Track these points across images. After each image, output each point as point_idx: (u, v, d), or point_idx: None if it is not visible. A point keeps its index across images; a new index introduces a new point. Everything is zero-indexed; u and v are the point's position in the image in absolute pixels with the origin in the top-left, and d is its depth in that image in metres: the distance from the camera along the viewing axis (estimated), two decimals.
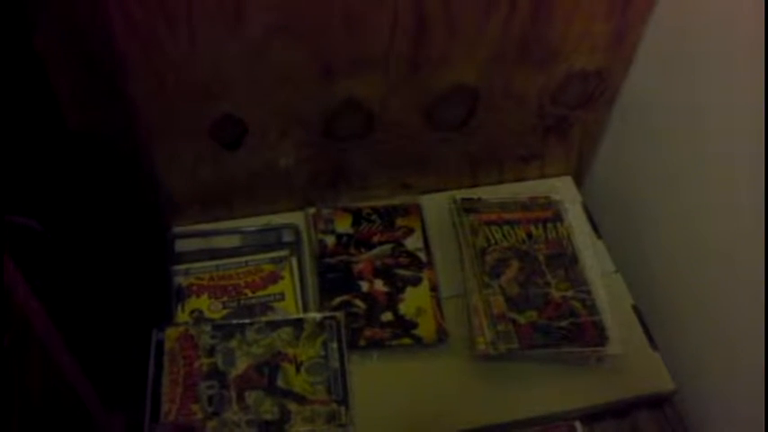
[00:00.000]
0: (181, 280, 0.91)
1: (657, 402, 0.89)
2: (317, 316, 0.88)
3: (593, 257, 0.98)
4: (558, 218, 1.00)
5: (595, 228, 1.02)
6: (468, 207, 1.00)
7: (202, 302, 0.89)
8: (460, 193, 1.03)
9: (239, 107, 0.85)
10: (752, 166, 0.75)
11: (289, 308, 0.90)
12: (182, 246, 0.95)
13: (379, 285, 0.93)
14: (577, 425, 0.83)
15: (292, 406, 0.81)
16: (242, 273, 0.92)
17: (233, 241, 0.96)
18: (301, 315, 0.89)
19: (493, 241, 0.96)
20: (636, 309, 0.95)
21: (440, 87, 0.88)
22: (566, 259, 0.96)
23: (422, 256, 0.96)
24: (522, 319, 0.89)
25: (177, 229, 0.96)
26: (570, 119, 0.99)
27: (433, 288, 0.93)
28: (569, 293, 0.92)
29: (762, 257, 0.75)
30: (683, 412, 0.88)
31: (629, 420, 0.87)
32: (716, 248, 0.84)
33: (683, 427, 0.87)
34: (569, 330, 0.88)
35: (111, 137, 0.83)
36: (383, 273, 0.94)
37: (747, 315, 0.80)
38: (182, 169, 0.90)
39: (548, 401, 0.86)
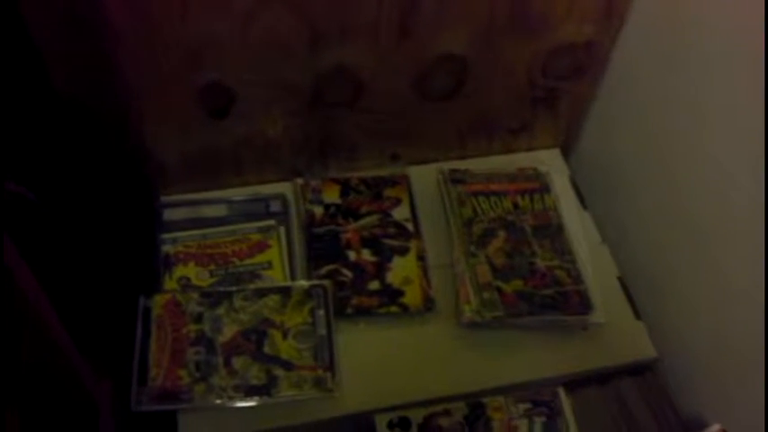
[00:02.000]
0: (168, 248, 0.91)
1: (640, 370, 0.90)
2: (305, 284, 0.89)
3: (579, 229, 0.98)
4: (544, 189, 1.01)
5: (582, 200, 1.03)
6: (455, 178, 1.00)
7: (190, 270, 0.89)
8: (448, 165, 1.03)
9: (227, 75, 0.85)
10: (742, 141, 0.76)
11: (276, 276, 0.90)
12: (169, 215, 0.95)
13: (367, 255, 0.93)
14: (560, 391, 0.84)
15: (279, 371, 0.82)
16: (229, 242, 0.92)
17: (220, 211, 0.96)
18: (289, 283, 0.89)
19: (480, 212, 0.97)
20: (621, 280, 0.96)
21: (429, 56, 0.88)
22: (552, 230, 0.96)
23: (409, 226, 0.97)
24: (507, 288, 0.90)
25: (165, 199, 0.96)
26: (559, 91, 0.99)
27: (421, 257, 0.94)
28: (555, 263, 0.93)
29: (750, 235, 0.76)
30: (664, 380, 0.90)
31: (612, 387, 0.88)
32: (702, 222, 0.85)
33: (664, 395, 0.88)
34: (554, 299, 0.89)
35: (99, 103, 0.83)
36: (371, 242, 0.95)
37: (730, 286, 0.81)
38: (169, 137, 0.90)
39: (532, 368, 0.87)
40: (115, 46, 0.77)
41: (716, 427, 0.79)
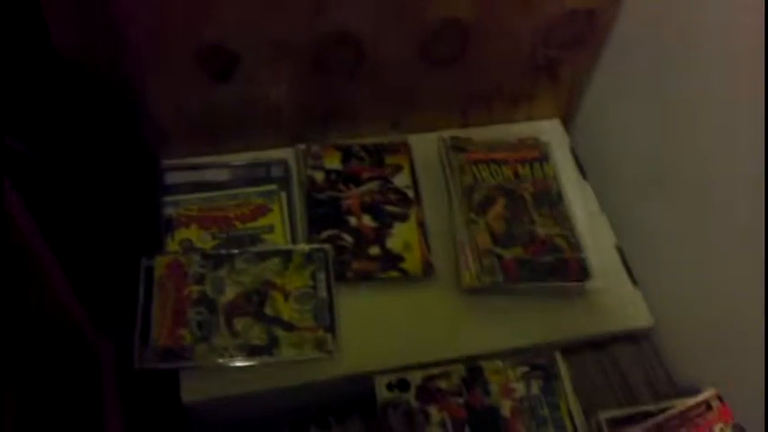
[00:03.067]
0: (170, 211, 0.91)
1: (635, 336, 0.91)
2: (306, 247, 0.89)
3: (578, 198, 0.99)
4: (545, 158, 1.01)
5: (582, 169, 1.04)
6: (456, 146, 1.01)
7: (192, 233, 0.90)
8: (449, 133, 1.04)
9: (230, 38, 0.85)
10: (744, 108, 0.76)
11: (277, 240, 0.91)
12: (171, 178, 0.95)
13: (367, 220, 0.94)
14: (557, 355, 0.85)
15: (280, 332, 0.83)
16: (231, 205, 0.93)
17: (222, 175, 0.96)
18: (290, 246, 0.90)
19: (480, 179, 0.98)
20: (619, 249, 0.97)
21: (431, 21, 0.88)
22: (551, 198, 0.97)
23: (410, 193, 0.97)
24: (507, 255, 0.91)
25: (167, 162, 0.96)
26: (560, 59, 1.00)
27: (421, 224, 0.94)
28: (554, 231, 0.94)
29: (749, 202, 0.77)
30: (659, 346, 0.91)
31: (608, 352, 0.90)
32: (702, 192, 0.85)
33: (658, 360, 0.89)
34: (553, 266, 0.90)
35: (101, 64, 0.83)
36: (371, 208, 0.95)
37: (726, 256, 0.82)
38: (171, 99, 0.90)
39: (530, 333, 0.88)
40: (116, 6, 0.77)
41: (711, 391, 0.80)
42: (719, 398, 0.80)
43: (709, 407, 0.79)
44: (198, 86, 0.89)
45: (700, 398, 0.80)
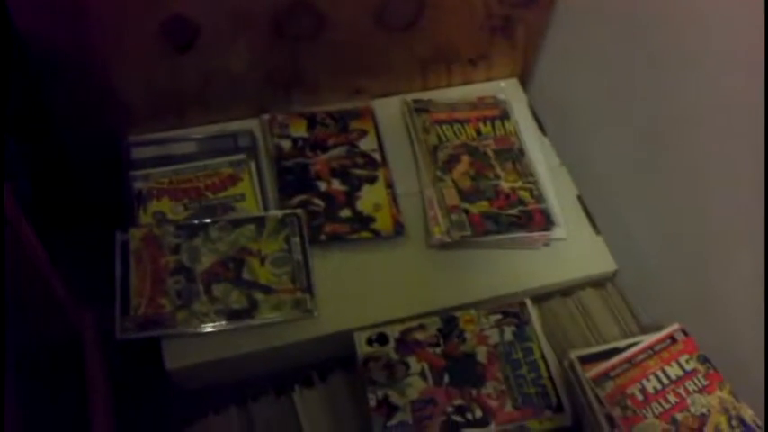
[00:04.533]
0: (140, 185, 0.92)
1: (601, 282, 0.95)
2: (279, 213, 0.91)
3: (539, 152, 1.02)
4: (505, 116, 1.04)
5: (541, 125, 1.07)
6: (419, 107, 1.03)
7: (164, 205, 0.90)
8: (411, 96, 1.06)
9: (190, 7, 0.85)
10: (695, 59, 0.79)
11: (249, 208, 0.92)
12: (138, 153, 0.95)
13: (337, 185, 0.96)
14: (528, 302, 0.88)
15: (259, 296, 0.84)
16: (201, 176, 0.93)
17: (189, 148, 0.97)
18: (263, 213, 0.91)
19: (444, 139, 1.00)
20: (580, 198, 1.00)
21: None
22: (513, 154, 1.00)
23: (376, 156, 0.99)
24: (474, 209, 0.93)
25: (133, 138, 0.96)
26: (514, 19, 1.02)
27: (389, 185, 0.97)
28: (518, 184, 0.97)
29: (700, 146, 0.81)
30: (623, 289, 0.95)
31: (575, 297, 0.93)
32: (654, 139, 0.89)
33: (623, 302, 0.93)
34: (518, 218, 0.93)
35: (62, 41, 0.83)
36: (340, 173, 0.97)
37: (682, 199, 0.86)
38: (136, 74, 0.90)
39: (500, 284, 0.91)
40: None
41: (675, 325, 0.84)
42: (684, 331, 0.84)
43: (674, 340, 0.83)
44: (161, 60, 0.89)
45: (665, 332, 0.84)
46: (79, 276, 0.87)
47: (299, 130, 1.00)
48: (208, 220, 0.89)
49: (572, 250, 0.95)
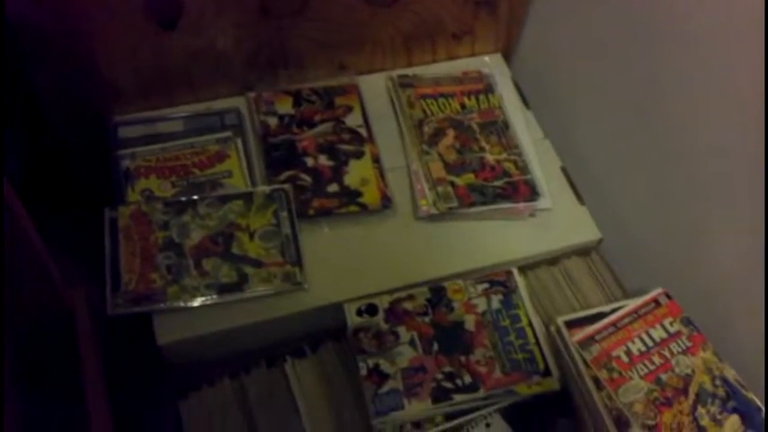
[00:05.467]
0: (127, 163, 0.92)
1: (585, 250, 0.97)
2: (266, 188, 0.91)
3: (523, 125, 1.04)
4: (489, 90, 1.05)
5: (524, 99, 1.08)
6: (404, 83, 1.04)
7: (151, 183, 0.91)
8: (396, 72, 1.06)
9: None
10: (678, 34, 0.81)
11: (237, 184, 0.93)
12: (125, 132, 0.95)
13: (324, 160, 0.97)
14: (514, 271, 0.90)
15: (249, 269, 0.85)
16: (188, 153, 0.94)
17: (176, 126, 0.97)
18: (251, 189, 0.92)
19: (429, 113, 1.01)
20: (564, 170, 1.02)
21: None
22: (498, 126, 1.01)
23: (362, 131, 1.00)
24: (460, 182, 0.94)
25: (119, 117, 0.97)
26: None
27: (376, 160, 0.98)
28: (502, 156, 0.98)
29: (678, 122, 0.82)
30: (607, 256, 0.97)
31: (561, 266, 0.95)
32: (635, 110, 0.90)
33: (608, 269, 0.95)
34: (504, 189, 0.95)
35: (46, 19, 0.83)
36: (326, 149, 0.98)
37: (663, 168, 0.88)
38: (120, 53, 0.90)
39: (487, 254, 0.92)
40: None
41: (659, 289, 0.86)
42: (668, 295, 0.85)
43: (658, 304, 0.85)
44: (146, 37, 0.89)
45: (649, 296, 0.85)
46: (68, 257, 0.88)
47: (285, 107, 1.01)
48: (196, 197, 0.89)
49: (557, 220, 0.96)
